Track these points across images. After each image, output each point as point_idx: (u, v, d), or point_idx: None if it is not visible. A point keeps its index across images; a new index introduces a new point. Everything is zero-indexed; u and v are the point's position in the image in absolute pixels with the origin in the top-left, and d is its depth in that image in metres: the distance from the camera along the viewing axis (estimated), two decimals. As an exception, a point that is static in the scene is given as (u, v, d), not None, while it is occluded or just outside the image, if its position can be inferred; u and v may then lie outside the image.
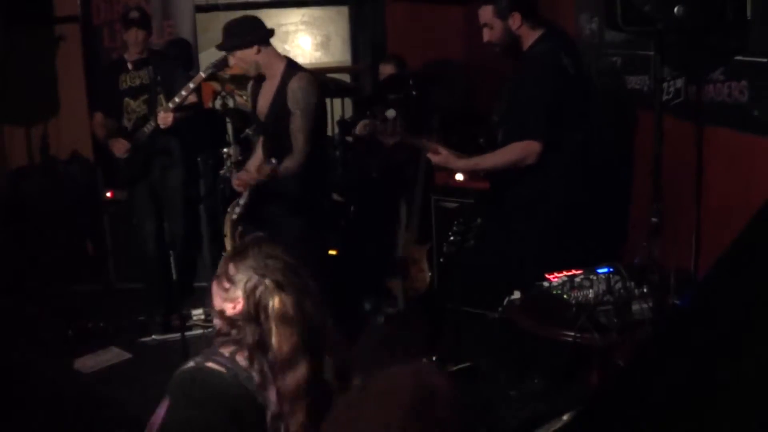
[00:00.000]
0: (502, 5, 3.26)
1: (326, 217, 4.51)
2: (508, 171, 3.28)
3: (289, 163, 3.63)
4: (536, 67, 3.23)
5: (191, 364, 1.65)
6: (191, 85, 4.29)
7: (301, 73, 3.75)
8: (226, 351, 1.65)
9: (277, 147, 3.74)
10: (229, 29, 3.78)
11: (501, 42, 3.32)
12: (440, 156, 3.40)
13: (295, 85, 3.70)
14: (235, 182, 3.88)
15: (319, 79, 4.14)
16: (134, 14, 4.49)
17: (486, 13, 3.30)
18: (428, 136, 3.99)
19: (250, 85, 4.05)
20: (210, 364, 1.62)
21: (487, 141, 3.50)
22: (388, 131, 3.34)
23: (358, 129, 3.42)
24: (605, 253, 3.34)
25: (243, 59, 3.77)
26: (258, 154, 4.01)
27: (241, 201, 3.84)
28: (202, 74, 4.29)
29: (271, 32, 3.82)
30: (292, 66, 3.82)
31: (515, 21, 3.26)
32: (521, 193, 3.34)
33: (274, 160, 3.49)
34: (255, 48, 3.73)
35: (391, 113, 3.60)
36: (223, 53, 3.99)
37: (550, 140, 3.17)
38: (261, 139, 4.04)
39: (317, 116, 3.78)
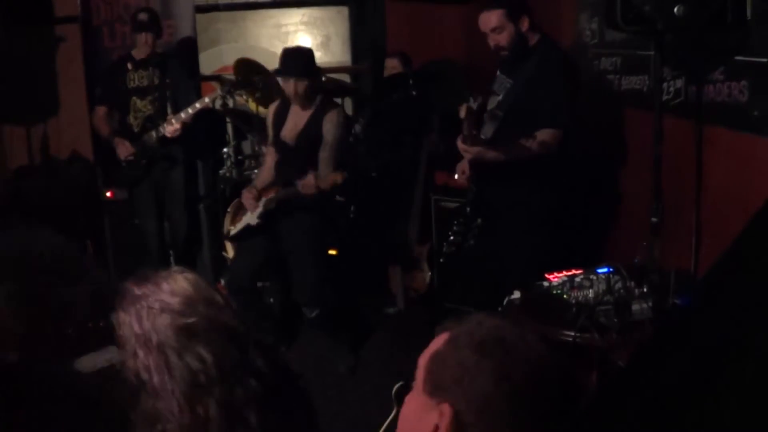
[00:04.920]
0: (513, 9, 3.33)
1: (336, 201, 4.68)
2: (499, 168, 3.39)
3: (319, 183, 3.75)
4: (555, 63, 3.36)
5: None
6: (206, 99, 4.36)
7: (339, 108, 4.04)
8: None
9: (297, 167, 3.89)
10: (299, 55, 3.92)
11: (510, 45, 3.37)
12: (474, 149, 3.36)
13: (333, 119, 3.93)
14: (246, 198, 4.00)
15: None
16: (143, 17, 4.51)
17: (495, 17, 3.34)
18: (428, 135, 4.01)
19: (274, 105, 4.17)
20: None
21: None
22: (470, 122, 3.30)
23: (462, 112, 3.37)
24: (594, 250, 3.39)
25: (303, 88, 3.87)
26: (267, 170, 4.14)
27: (251, 221, 3.98)
28: (219, 91, 4.39)
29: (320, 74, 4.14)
30: (326, 99, 4.04)
31: (524, 24, 3.35)
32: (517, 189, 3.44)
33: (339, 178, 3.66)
34: (319, 79, 3.99)
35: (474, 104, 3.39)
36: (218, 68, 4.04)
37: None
38: (272, 156, 4.14)
39: (344, 148, 4.10)
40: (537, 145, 3.25)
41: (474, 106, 3.31)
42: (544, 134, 3.28)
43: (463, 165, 3.63)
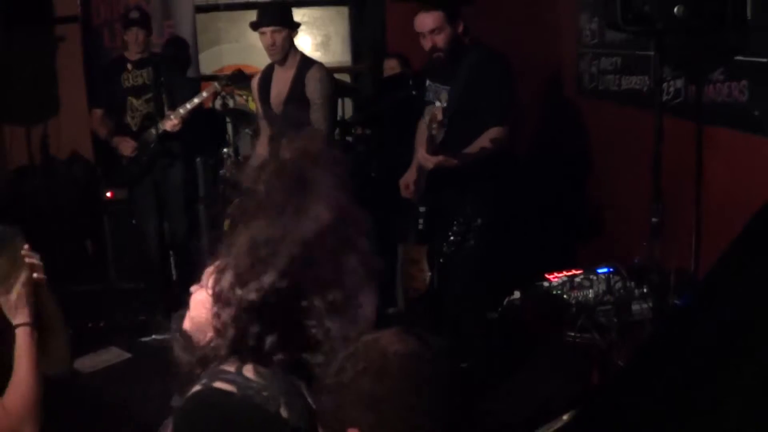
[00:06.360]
0: (451, 12, 3.40)
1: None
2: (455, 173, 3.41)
3: None
4: (491, 64, 3.43)
5: (198, 387, 1.43)
6: (205, 94, 4.35)
7: (318, 64, 3.86)
8: (231, 367, 1.50)
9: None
10: (275, 6, 3.80)
11: (447, 46, 3.42)
12: (436, 158, 3.39)
13: (315, 75, 3.78)
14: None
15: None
16: (134, 14, 4.51)
17: (434, 18, 3.39)
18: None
19: (256, 77, 4.03)
20: (218, 384, 1.42)
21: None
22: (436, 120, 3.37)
23: (439, 114, 3.43)
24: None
25: (281, 39, 3.75)
26: (263, 146, 4.01)
27: None
28: (217, 85, 4.36)
29: (297, 24, 3.89)
30: (306, 57, 3.90)
31: (460, 27, 3.43)
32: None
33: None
34: (294, 32, 3.79)
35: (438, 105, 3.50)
36: (219, 66, 4.00)
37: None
38: (266, 131, 4.03)
39: (335, 106, 3.94)
40: (490, 143, 3.33)
41: (444, 104, 3.37)
42: (493, 132, 3.35)
43: (407, 179, 3.64)
